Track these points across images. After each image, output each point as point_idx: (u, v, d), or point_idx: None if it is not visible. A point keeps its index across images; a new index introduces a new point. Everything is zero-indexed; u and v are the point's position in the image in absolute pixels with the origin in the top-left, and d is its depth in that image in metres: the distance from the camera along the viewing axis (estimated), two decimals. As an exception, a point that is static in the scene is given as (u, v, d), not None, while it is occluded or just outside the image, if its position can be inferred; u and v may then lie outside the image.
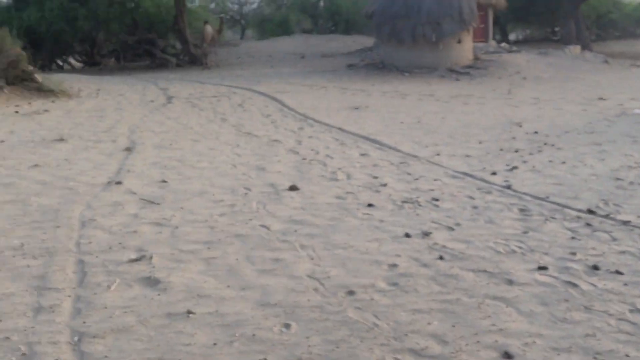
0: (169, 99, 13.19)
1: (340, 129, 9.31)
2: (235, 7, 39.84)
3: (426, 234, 4.49)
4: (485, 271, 3.79)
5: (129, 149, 7.81)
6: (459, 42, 19.03)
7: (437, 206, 5.25)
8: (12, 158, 7.24)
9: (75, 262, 3.96)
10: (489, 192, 5.68)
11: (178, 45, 24.38)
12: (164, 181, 6.17)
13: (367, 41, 27.69)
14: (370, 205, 5.28)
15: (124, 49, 24.20)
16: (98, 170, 6.65)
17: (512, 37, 33.17)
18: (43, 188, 5.87)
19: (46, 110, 11.26)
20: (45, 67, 20.59)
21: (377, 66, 19.70)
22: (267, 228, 4.69)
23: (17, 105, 11.89)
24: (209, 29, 22.27)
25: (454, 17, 18.27)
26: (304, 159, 7.28)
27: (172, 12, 23.17)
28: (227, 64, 22.90)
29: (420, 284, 3.61)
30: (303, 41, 29.17)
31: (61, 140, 8.34)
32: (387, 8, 18.71)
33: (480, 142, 8.15)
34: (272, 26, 36.62)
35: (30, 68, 13.72)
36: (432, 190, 5.78)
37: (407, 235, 4.47)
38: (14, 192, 5.72)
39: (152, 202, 5.40)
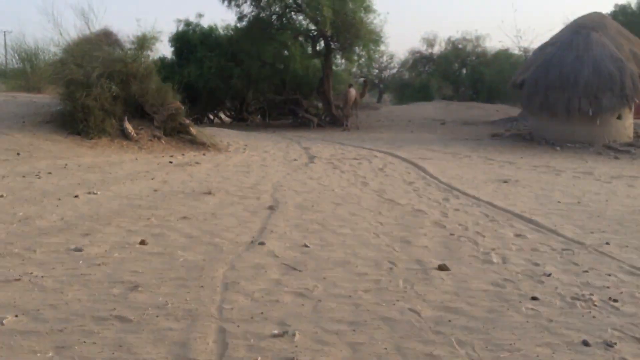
0: (311, 158, 13.32)
1: (489, 203, 8.67)
2: (375, 71, 40.66)
3: (609, 345, 3.77)
4: (697, 408, 3.03)
5: (272, 208, 7.77)
6: (619, 117, 17.62)
7: (616, 308, 4.47)
8: (163, 208, 7.46)
9: (217, 330, 3.76)
10: (681, 298, 4.78)
11: (320, 106, 25.07)
12: (306, 245, 5.96)
13: (511, 110, 26.70)
14: (534, 298, 4.63)
15: (270, 107, 25.37)
16: (242, 228, 6.61)
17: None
18: (189, 242, 5.90)
19: (197, 163, 11.79)
20: (198, 121, 22.00)
21: (524, 137, 18.74)
22: (417, 314, 4.23)
23: (171, 156, 12.61)
24: (352, 92, 22.68)
25: (614, 91, 16.98)
26: (452, 234, 6.75)
27: (318, 75, 23.97)
28: (366, 127, 23.07)
29: (613, 414, 2.94)
30: (443, 107, 28.76)
31: (209, 193, 8.55)
32: (539, 78, 17.82)
33: (656, 233, 7.13)
34: (411, 91, 36.77)
35: (187, 121, 14.62)
36: (607, 287, 4.99)
37: (586, 344, 3.78)
38: (163, 243, 5.79)
39: (294, 269, 5.17)
